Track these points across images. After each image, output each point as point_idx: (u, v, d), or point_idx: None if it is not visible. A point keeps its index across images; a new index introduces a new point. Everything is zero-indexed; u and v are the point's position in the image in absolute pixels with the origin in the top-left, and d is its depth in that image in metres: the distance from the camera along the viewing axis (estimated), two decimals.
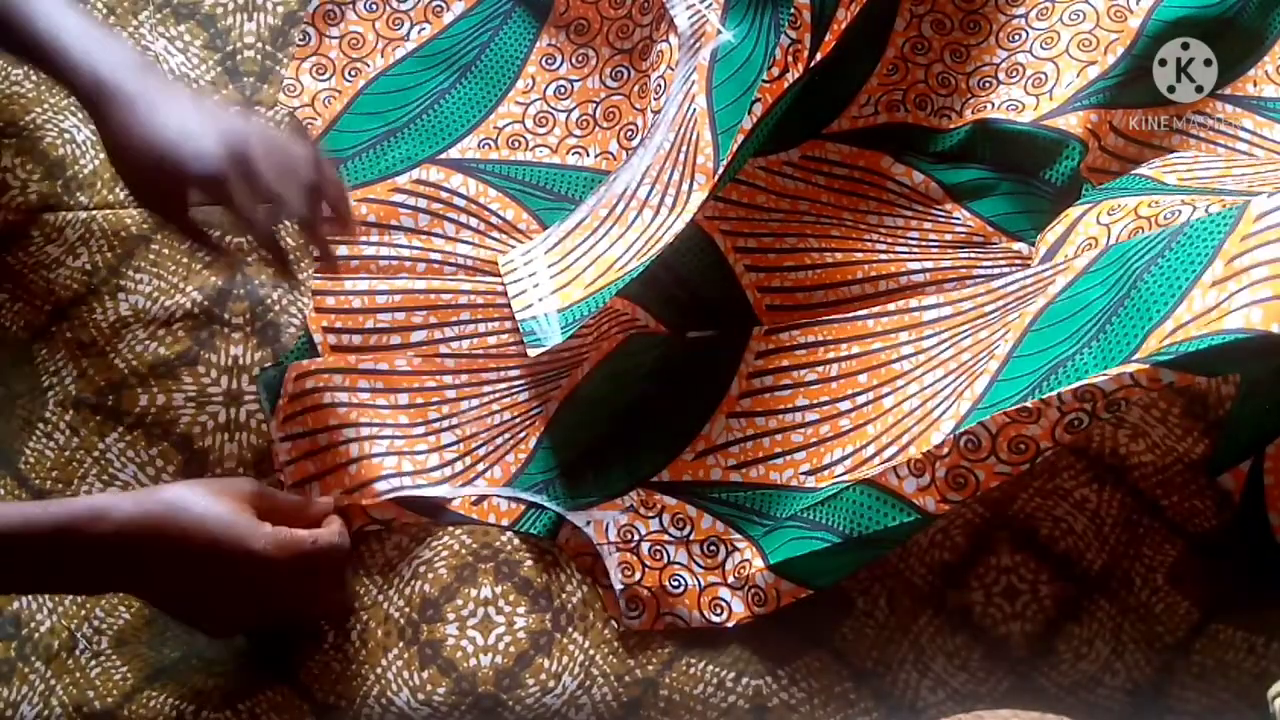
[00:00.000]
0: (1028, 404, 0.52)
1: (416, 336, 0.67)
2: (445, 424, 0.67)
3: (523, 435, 0.67)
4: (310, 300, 0.68)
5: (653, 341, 0.69)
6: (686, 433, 0.67)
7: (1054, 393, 0.51)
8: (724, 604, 0.63)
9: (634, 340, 0.68)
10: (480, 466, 0.66)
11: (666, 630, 0.63)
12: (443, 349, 0.68)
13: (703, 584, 0.63)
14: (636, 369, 0.68)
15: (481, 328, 0.68)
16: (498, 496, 0.65)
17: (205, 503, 0.54)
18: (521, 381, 0.68)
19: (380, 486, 0.64)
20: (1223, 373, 0.50)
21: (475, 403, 0.67)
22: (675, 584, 0.63)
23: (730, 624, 0.63)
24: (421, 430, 0.66)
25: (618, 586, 0.63)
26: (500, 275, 0.69)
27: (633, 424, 0.67)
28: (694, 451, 0.66)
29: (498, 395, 0.68)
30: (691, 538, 0.64)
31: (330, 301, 0.68)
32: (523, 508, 0.65)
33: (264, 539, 0.55)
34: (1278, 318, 0.45)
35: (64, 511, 0.52)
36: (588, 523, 0.64)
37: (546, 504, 0.64)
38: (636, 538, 0.64)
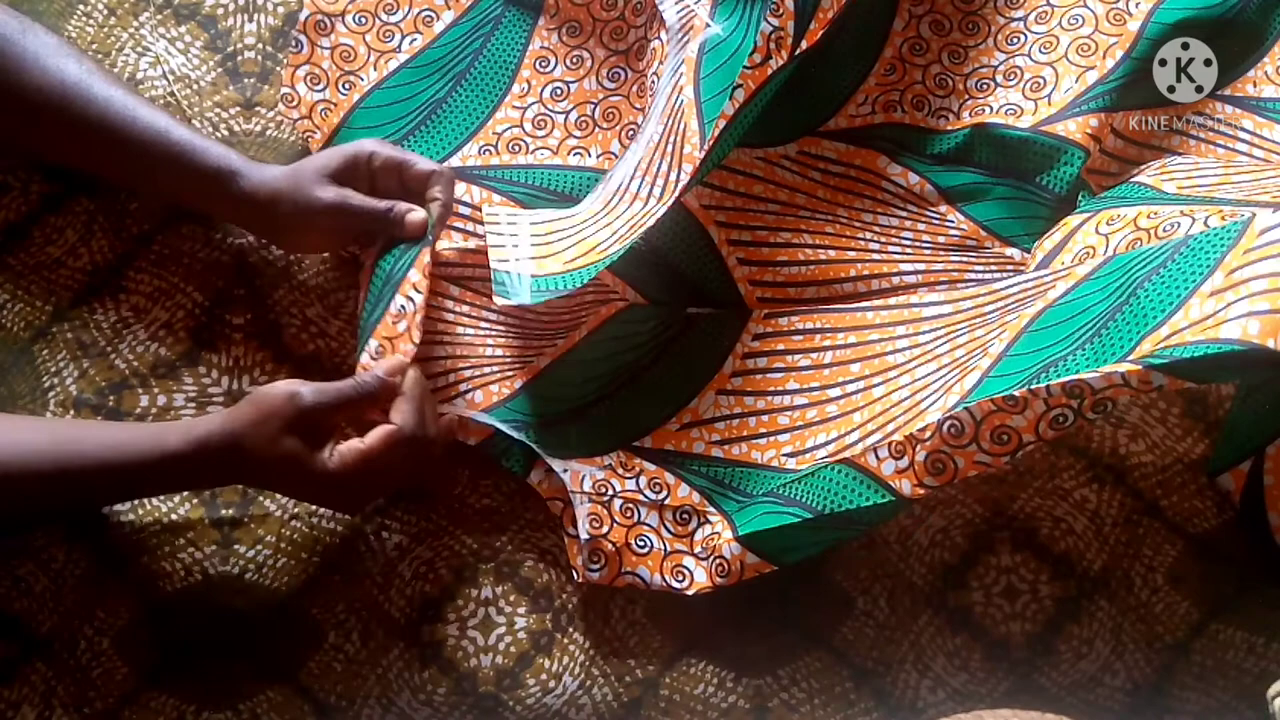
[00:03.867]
0: (1014, 394, 0.52)
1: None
2: (436, 339, 0.67)
3: (509, 375, 0.67)
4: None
5: (651, 313, 0.69)
6: (674, 404, 0.67)
7: (1043, 385, 0.51)
8: (686, 571, 0.63)
9: (633, 310, 0.69)
10: (463, 387, 0.66)
11: (665, 626, 0.63)
12: (439, 273, 0.68)
13: (668, 549, 0.64)
14: (632, 337, 0.68)
15: (478, 270, 0.68)
16: (475, 420, 0.65)
17: (259, 455, 0.56)
18: (518, 329, 0.68)
19: None
20: (1214, 380, 0.50)
21: (471, 332, 0.68)
22: (641, 544, 0.63)
23: (690, 591, 0.62)
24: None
25: (583, 537, 0.63)
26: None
27: (622, 389, 0.67)
28: (679, 423, 0.67)
29: (495, 334, 0.68)
30: (666, 502, 0.65)
31: None
32: (490, 431, 0.65)
33: (321, 468, 0.56)
34: (1273, 332, 0.45)
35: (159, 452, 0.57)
36: (565, 470, 0.64)
37: (526, 441, 0.64)
38: (610, 493, 0.64)
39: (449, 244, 0.70)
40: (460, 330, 0.67)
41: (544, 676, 0.63)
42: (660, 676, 0.63)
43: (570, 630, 0.64)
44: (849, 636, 0.63)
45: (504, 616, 0.64)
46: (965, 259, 0.68)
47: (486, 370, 0.67)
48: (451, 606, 0.64)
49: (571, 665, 0.63)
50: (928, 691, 0.62)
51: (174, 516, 0.65)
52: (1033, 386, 0.51)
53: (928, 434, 0.55)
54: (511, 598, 0.64)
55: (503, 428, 0.64)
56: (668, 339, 0.68)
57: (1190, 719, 0.61)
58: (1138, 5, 0.68)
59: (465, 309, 0.68)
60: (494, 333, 0.68)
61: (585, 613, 0.64)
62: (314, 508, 0.65)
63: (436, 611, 0.64)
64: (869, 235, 0.70)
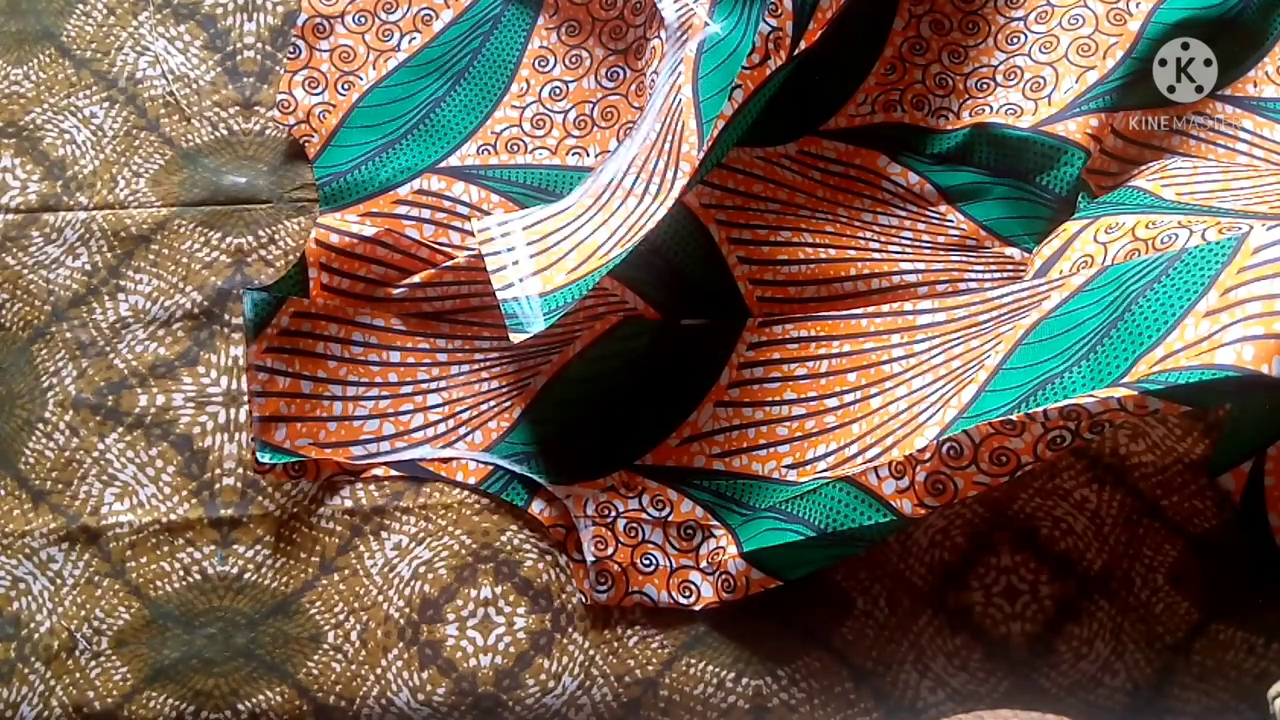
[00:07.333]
0: (1012, 417, 0.52)
1: (404, 291, 0.68)
2: (433, 385, 0.67)
3: (508, 405, 0.67)
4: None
5: (646, 326, 0.69)
6: (673, 419, 0.67)
7: (1040, 409, 0.51)
8: (693, 587, 0.63)
9: (627, 324, 0.69)
10: (462, 430, 0.66)
11: (664, 626, 0.63)
12: (426, 307, 0.68)
13: (674, 565, 0.64)
14: (628, 353, 0.68)
15: (464, 289, 0.68)
16: (475, 461, 0.65)
17: None
18: (513, 352, 0.68)
19: (356, 451, 0.65)
20: (1209, 404, 0.50)
21: (465, 368, 0.68)
22: (646, 562, 0.64)
23: (697, 607, 0.63)
24: (409, 390, 0.67)
25: (589, 559, 0.63)
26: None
27: (620, 407, 0.67)
28: (679, 437, 0.67)
29: (488, 364, 0.68)
30: (670, 519, 0.65)
31: (334, 239, 0.67)
32: (490, 468, 0.65)
33: None
34: (1268, 357, 0.45)
35: None
36: (567, 496, 0.64)
37: (528, 474, 0.65)
38: (613, 514, 0.64)
39: (445, 241, 0.70)
40: (455, 370, 0.68)
41: (543, 676, 0.63)
42: (660, 676, 0.63)
43: (569, 630, 0.64)
44: (849, 636, 0.63)
45: (503, 616, 0.64)
46: (965, 259, 0.68)
47: (484, 406, 0.67)
48: (451, 607, 0.64)
49: (571, 665, 0.63)
50: (928, 692, 0.62)
51: (173, 516, 0.65)
52: (1030, 411, 0.51)
53: (927, 454, 0.55)
54: (511, 598, 0.64)
55: (505, 464, 0.65)
56: (663, 353, 0.68)
57: (1190, 719, 0.61)
58: (1138, 5, 0.68)
59: (457, 344, 0.68)
60: (488, 362, 0.68)
61: (585, 613, 0.64)
62: (313, 507, 0.65)
63: (436, 612, 0.64)
64: (869, 235, 0.70)
